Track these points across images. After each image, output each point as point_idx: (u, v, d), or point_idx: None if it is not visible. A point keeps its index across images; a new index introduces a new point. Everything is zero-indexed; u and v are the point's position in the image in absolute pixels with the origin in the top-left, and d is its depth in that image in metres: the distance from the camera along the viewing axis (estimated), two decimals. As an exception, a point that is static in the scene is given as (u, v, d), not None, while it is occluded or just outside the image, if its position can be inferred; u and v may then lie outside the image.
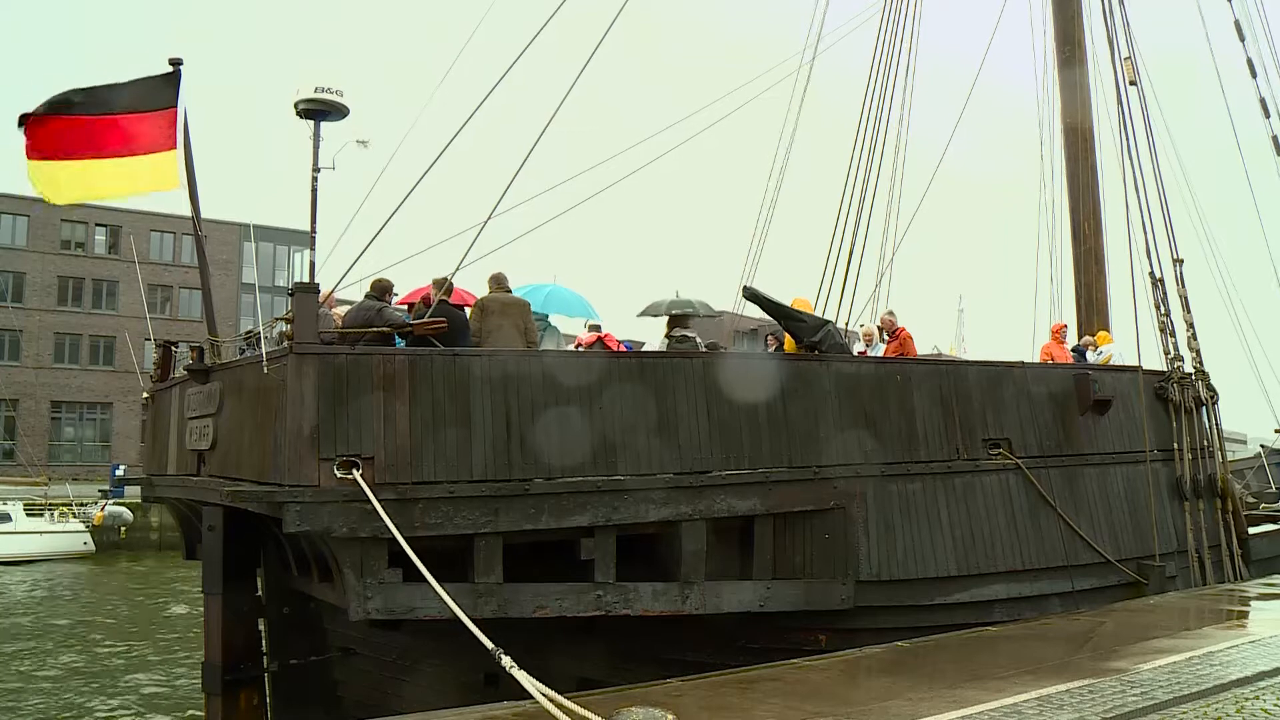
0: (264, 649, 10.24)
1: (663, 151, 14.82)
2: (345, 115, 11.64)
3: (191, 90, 10.28)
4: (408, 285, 12.00)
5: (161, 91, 10.16)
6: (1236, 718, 6.72)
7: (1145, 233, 15.08)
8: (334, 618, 9.96)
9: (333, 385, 8.29)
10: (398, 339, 9.62)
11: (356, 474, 8.09)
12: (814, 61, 18.90)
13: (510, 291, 10.65)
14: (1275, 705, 7.04)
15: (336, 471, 8.11)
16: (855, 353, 12.41)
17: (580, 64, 9.96)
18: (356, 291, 10.58)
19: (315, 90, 11.33)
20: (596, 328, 13.34)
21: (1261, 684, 7.68)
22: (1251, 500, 19.85)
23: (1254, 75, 21.64)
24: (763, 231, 18.33)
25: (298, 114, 11.46)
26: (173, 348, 12.75)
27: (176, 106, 10.11)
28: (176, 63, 10.26)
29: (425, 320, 9.51)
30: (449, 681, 9.75)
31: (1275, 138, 21.93)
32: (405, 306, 11.48)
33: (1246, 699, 7.22)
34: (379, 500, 7.96)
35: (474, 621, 7.50)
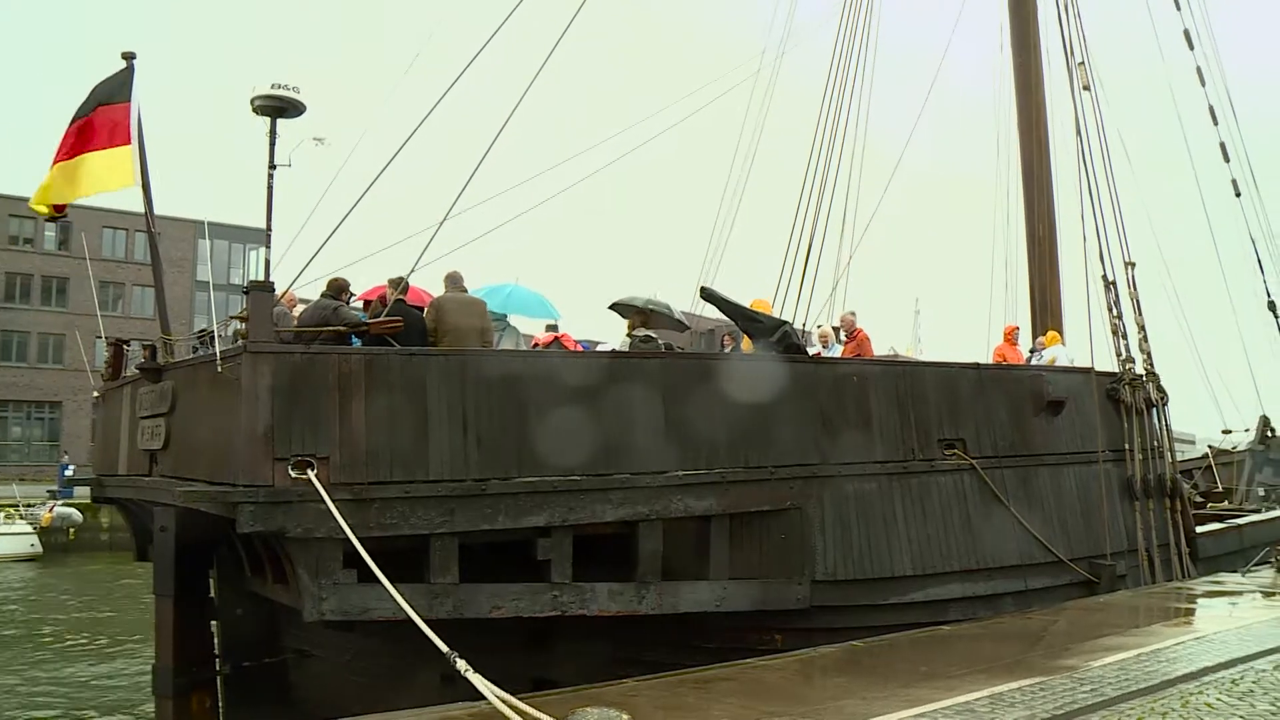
0: (216, 651, 10.13)
1: (624, 152, 14.85)
2: (302, 112, 11.53)
3: (147, 86, 10.17)
4: (364, 284, 11.91)
5: (115, 87, 10.05)
6: (1181, 712, 6.83)
7: (1099, 236, 15.31)
8: (289, 619, 9.87)
9: (288, 384, 8.20)
10: (354, 338, 9.57)
11: (312, 474, 8.01)
12: (777, 62, 18.98)
13: (467, 291, 10.62)
14: (1218, 699, 7.17)
15: (291, 471, 8.02)
16: (812, 353, 12.47)
17: (544, 58, 9.95)
18: (313, 290, 10.50)
19: (272, 86, 11.22)
20: (554, 327, 13.33)
21: (1206, 679, 7.81)
22: (1199, 500, 20.20)
23: (1203, 84, 22.06)
24: (722, 231, 18.37)
25: (254, 111, 11.36)
26: (125, 346, 12.58)
27: (130, 101, 9.99)
28: (129, 57, 10.14)
29: (381, 319, 9.47)
30: (405, 682, 9.70)
31: (1223, 145, 22.34)
32: (361, 305, 11.41)
33: (1191, 694, 7.34)
34: (334, 500, 7.89)
35: (430, 622, 7.46)
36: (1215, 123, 22.30)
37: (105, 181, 10.02)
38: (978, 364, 12.96)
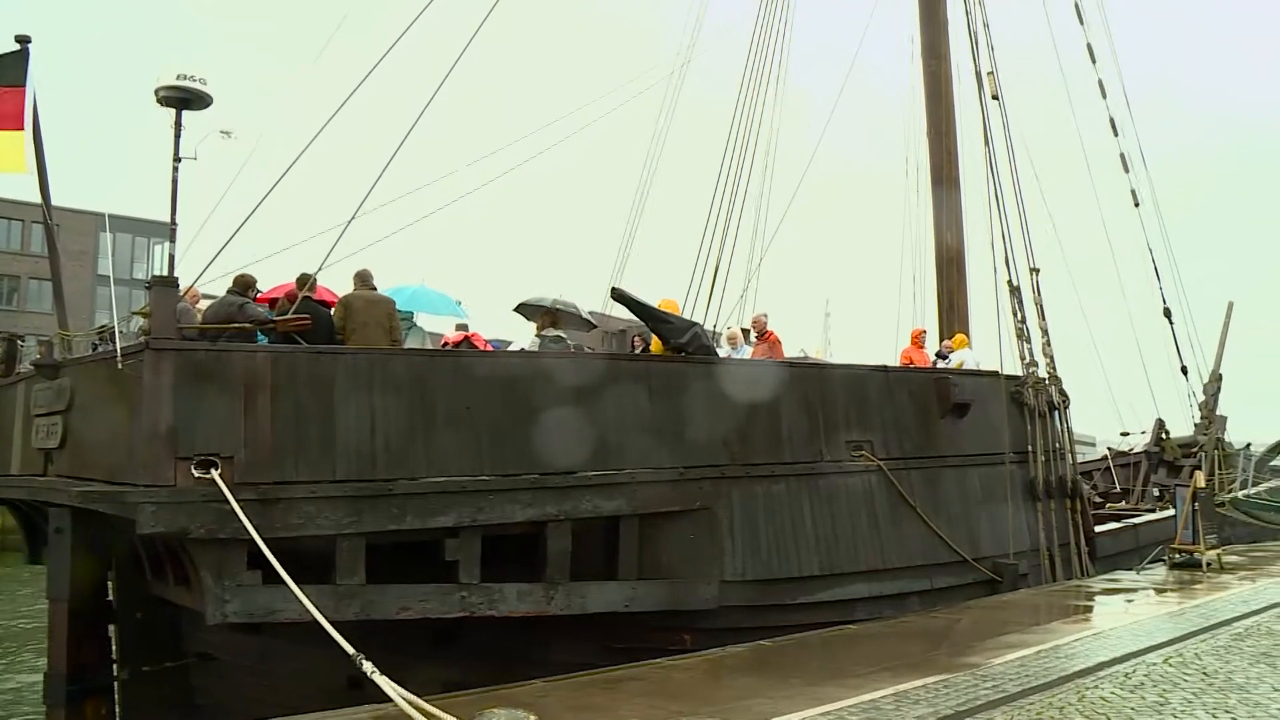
0: (114, 656, 9.86)
1: (536, 153, 14.80)
2: (209, 104, 11.30)
3: (47, 71, 9.86)
4: (272, 281, 11.70)
5: (8, 69, 9.71)
6: (1078, 706, 7.01)
7: (1004, 242, 15.63)
8: (191, 622, 9.66)
9: (191, 382, 8.05)
10: (260, 336, 9.40)
11: (215, 474, 7.87)
12: (687, 64, 19.06)
13: (375, 289, 10.49)
14: (1112, 693, 7.38)
15: (194, 471, 7.87)
16: (722, 355, 12.54)
17: (458, 56, 9.87)
18: (218, 287, 10.29)
19: (177, 77, 10.97)
20: (464, 326, 13.22)
21: (1101, 674, 8.06)
22: (1098, 500, 20.77)
23: (1104, 96, 22.70)
24: (633, 232, 18.40)
25: (158, 102, 11.10)
26: (19, 341, 12.20)
27: (25, 86, 9.66)
28: (24, 40, 9.82)
29: (289, 317, 9.31)
30: (311, 685, 9.54)
31: (1123, 156, 23.00)
32: (268, 303, 11.20)
33: (1088, 688, 7.55)
34: (238, 500, 7.75)
35: (337, 624, 7.35)
36: (1116, 134, 22.98)
37: None
38: (885, 366, 13.15)
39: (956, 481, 12.70)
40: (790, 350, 14.84)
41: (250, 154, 11.28)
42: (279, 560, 7.59)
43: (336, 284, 11.30)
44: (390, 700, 6.58)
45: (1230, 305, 25.38)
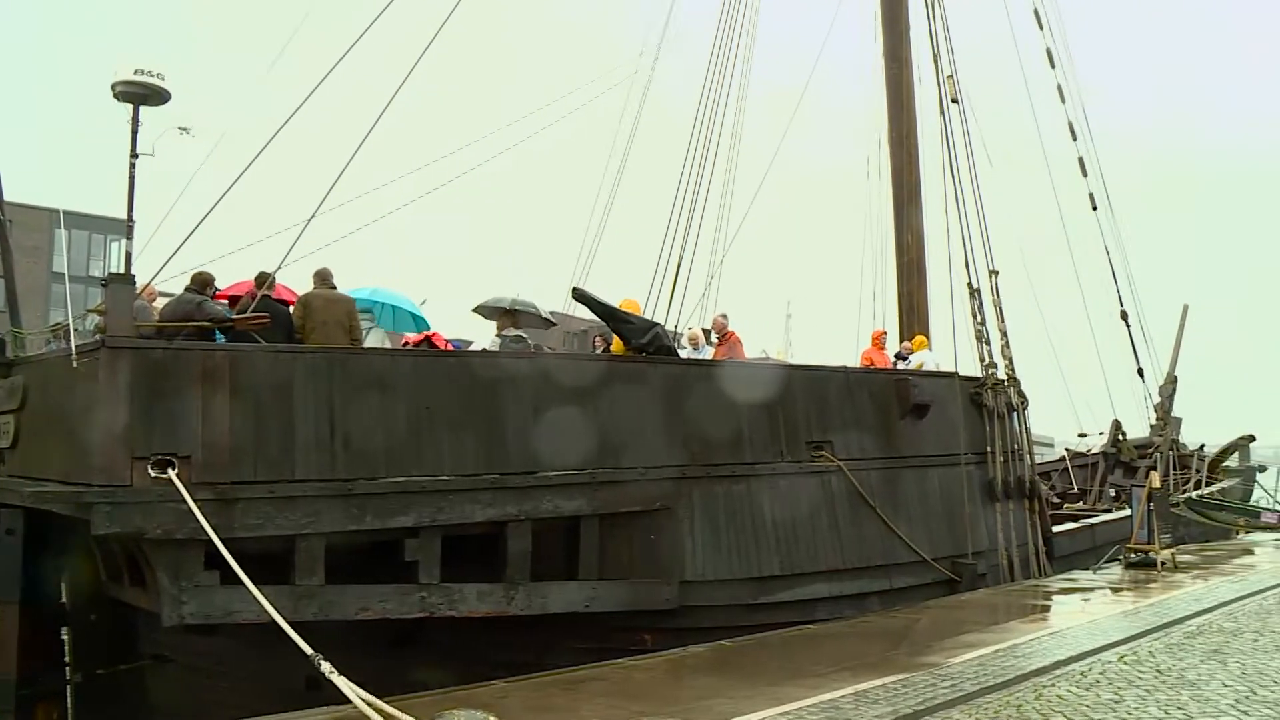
0: (67, 659, 9.72)
1: (496, 153, 14.75)
2: (167, 100, 11.20)
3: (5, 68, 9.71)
4: (231, 279, 11.58)
5: None
6: (1035, 704, 7.07)
7: (964, 244, 15.75)
8: (146, 624, 9.55)
9: (148, 381, 7.96)
10: (218, 334, 9.30)
11: (172, 473, 7.79)
12: (654, 64, 19.04)
13: (335, 288, 10.43)
14: (1068, 691, 7.46)
15: (151, 470, 7.79)
16: (683, 355, 12.56)
17: (426, 56, 9.83)
18: (176, 285, 10.19)
19: (135, 72, 10.85)
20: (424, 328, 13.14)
21: (1058, 672, 8.13)
22: (1056, 500, 21.00)
23: (1063, 100, 22.98)
24: (596, 232, 18.37)
25: (115, 97, 10.98)
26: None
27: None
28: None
29: (247, 315, 9.24)
30: (269, 687, 9.45)
31: (1081, 160, 23.26)
32: (226, 301, 11.10)
33: (1044, 686, 7.62)
34: (195, 500, 7.66)
35: (295, 625, 7.29)
36: (1074, 139, 23.23)
37: None
38: (846, 367, 13.21)
39: (916, 482, 12.78)
40: (751, 351, 14.89)
41: (212, 149, 11.18)
42: (237, 561, 7.52)
43: (297, 283, 11.23)
44: (349, 701, 6.53)
45: (1185, 308, 25.70)
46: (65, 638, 9.68)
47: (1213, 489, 22.42)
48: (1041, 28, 22.58)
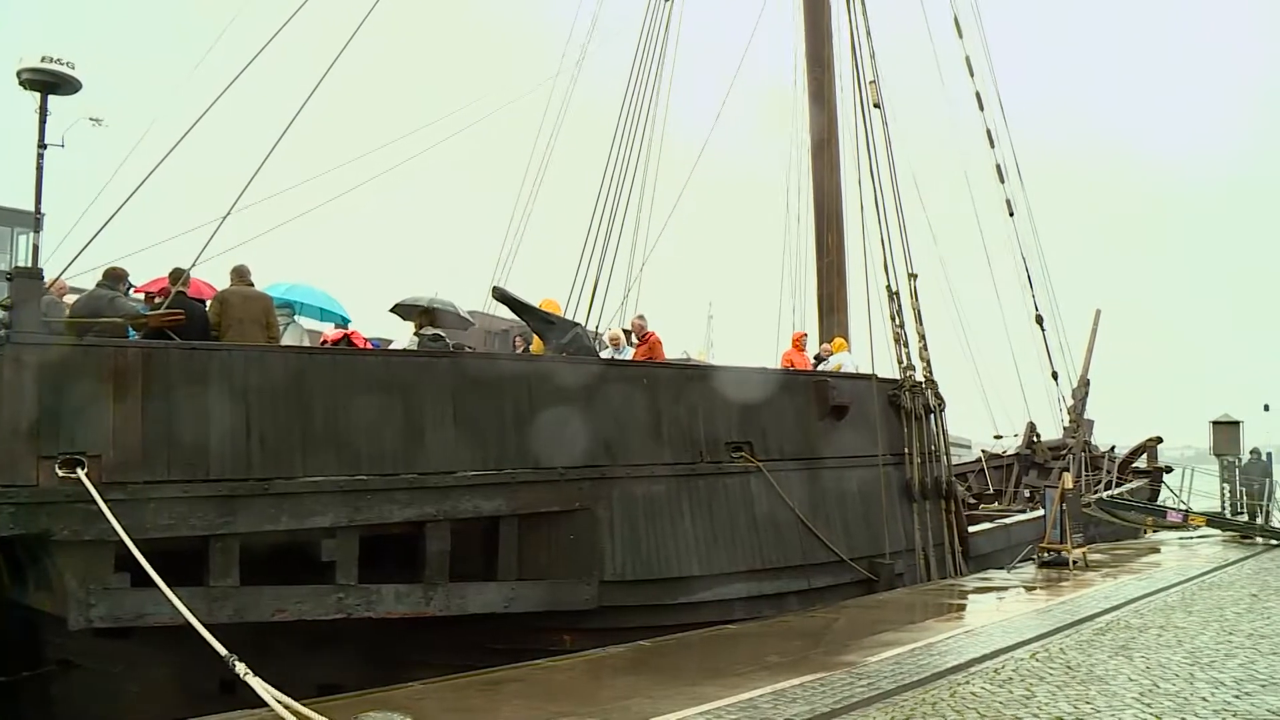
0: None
1: (420, 150, 14.58)
2: (78, 90, 10.81)
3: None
4: (144, 275, 11.28)
5: None
6: (950, 701, 7.16)
7: (884, 248, 15.90)
8: (51, 628, 9.26)
9: (56, 378, 7.78)
10: (131, 331, 9.06)
11: (81, 473, 7.62)
12: (578, 66, 18.96)
13: (253, 285, 10.21)
14: (982, 688, 7.57)
15: (58, 470, 7.62)
16: (603, 356, 12.52)
17: (351, 56, 9.68)
18: (88, 280, 9.91)
19: (42, 59, 10.50)
20: (344, 324, 12.93)
21: (972, 670, 8.26)
22: (972, 501, 21.35)
23: (981, 108, 23.41)
24: (517, 232, 18.24)
25: (21, 85, 10.61)
26: None
27: None
28: None
29: (162, 312, 9.02)
30: (182, 691, 9.23)
31: (999, 166, 23.72)
32: (141, 297, 10.81)
33: (959, 684, 7.73)
34: (105, 500, 7.51)
35: (210, 627, 7.13)
36: (992, 145, 23.67)
37: None
38: (765, 369, 13.26)
39: (834, 482, 12.88)
40: (672, 351, 14.89)
41: (138, 142, 10.86)
42: (150, 562, 7.32)
43: (217, 279, 10.98)
44: (265, 704, 6.43)
45: (1098, 313, 26.46)
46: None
47: (1122, 489, 22.99)
48: (960, 36, 22.96)
